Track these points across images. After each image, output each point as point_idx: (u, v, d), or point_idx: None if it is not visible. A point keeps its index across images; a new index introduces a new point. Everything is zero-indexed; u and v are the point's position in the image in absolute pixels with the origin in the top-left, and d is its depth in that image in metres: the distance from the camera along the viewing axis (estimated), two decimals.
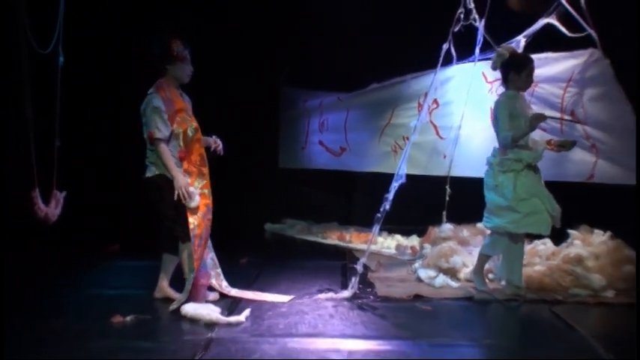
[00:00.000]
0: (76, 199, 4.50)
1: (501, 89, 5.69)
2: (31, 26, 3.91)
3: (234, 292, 4.45)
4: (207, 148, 4.37)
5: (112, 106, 7.13)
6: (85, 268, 5.39)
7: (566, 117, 5.06)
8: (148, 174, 4.17)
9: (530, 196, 4.36)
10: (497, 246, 4.60)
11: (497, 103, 4.52)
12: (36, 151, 4.06)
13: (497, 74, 5.72)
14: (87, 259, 5.71)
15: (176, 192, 4.00)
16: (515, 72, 4.48)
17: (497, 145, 4.59)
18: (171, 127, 4.08)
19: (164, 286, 4.31)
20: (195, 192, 4.06)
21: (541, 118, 4.41)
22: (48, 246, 5.61)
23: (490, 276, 4.99)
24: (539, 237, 5.15)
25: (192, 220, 4.06)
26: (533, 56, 5.39)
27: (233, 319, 3.78)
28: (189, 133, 4.15)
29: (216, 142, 4.43)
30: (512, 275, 4.53)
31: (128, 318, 3.80)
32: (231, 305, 4.18)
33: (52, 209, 4.22)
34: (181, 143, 4.13)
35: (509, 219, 4.40)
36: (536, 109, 5.39)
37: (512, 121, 4.38)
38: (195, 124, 4.22)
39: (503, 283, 4.73)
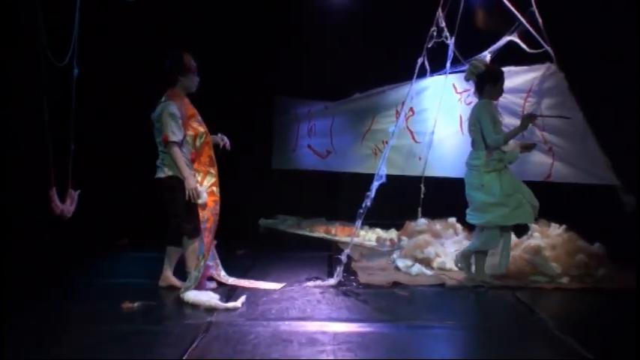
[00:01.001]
0: (89, 197, 4.47)
1: (470, 99, 5.75)
2: (48, 39, 3.88)
3: (232, 280, 4.44)
4: (217, 145, 4.37)
5: (122, 112, 7.09)
6: (97, 259, 5.36)
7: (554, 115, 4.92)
8: (161, 175, 4.13)
9: (514, 191, 4.36)
10: (493, 240, 4.49)
11: (478, 111, 4.45)
12: (53, 154, 4.03)
13: (467, 85, 5.77)
14: (98, 251, 5.67)
15: (187, 192, 3.99)
16: (493, 83, 4.47)
17: (473, 148, 4.54)
18: (185, 132, 4.07)
19: (168, 276, 4.28)
20: (203, 190, 4.07)
21: (532, 117, 4.41)
22: (63, 239, 5.56)
23: (459, 265, 5.01)
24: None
25: (203, 215, 4.08)
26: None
27: (230, 304, 3.78)
28: (200, 137, 4.17)
29: (223, 140, 4.44)
30: (503, 259, 4.54)
31: (136, 304, 3.79)
32: (228, 292, 4.17)
33: (67, 206, 4.20)
34: (192, 146, 4.13)
35: (498, 213, 4.37)
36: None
37: (493, 126, 4.37)
38: (204, 129, 4.22)
39: (472, 270, 4.74)
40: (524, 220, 4.48)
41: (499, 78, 4.50)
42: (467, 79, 4.69)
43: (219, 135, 4.43)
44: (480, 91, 4.55)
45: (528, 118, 4.39)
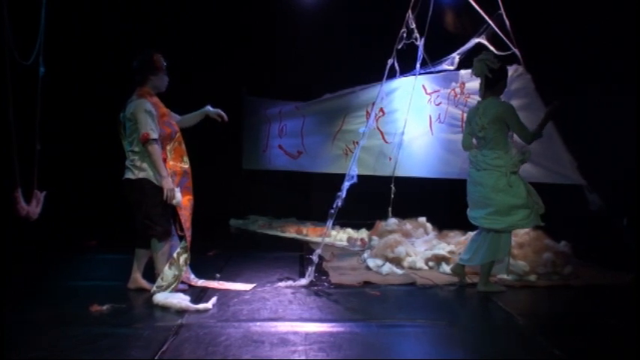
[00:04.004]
0: (55, 198, 4.38)
1: (439, 99, 5.82)
2: (14, 37, 3.79)
3: (201, 282, 4.40)
4: (214, 121, 4.38)
5: (90, 111, 6.99)
6: (64, 261, 5.25)
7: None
8: (130, 176, 4.04)
9: (528, 192, 4.25)
10: (505, 245, 4.30)
11: (500, 110, 4.19)
12: (18, 154, 3.94)
13: (436, 86, 5.84)
14: (66, 253, 5.57)
15: (165, 192, 3.95)
16: (505, 80, 4.35)
17: (484, 148, 4.29)
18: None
19: (137, 278, 4.22)
20: (178, 191, 4.04)
21: (558, 105, 4.15)
22: (30, 241, 5.45)
23: (430, 263, 5.04)
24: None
25: (183, 214, 4.10)
26: (465, 71, 5.54)
27: (201, 306, 3.75)
28: (173, 135, 4.12)
29: (219, 114, 4.39)
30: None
31: (105, 307, 3.73)
32: (199, 294, 4.13)
33: (33, 208, 4.09)
34: (165, 145, 4.08)
35: (522, 216, 4.20)
36: None
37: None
38: (176, 127, 4.18)
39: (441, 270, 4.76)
40: (537, 222, 4.31)
41: (507, 75, 4.41)
42: (477, 75, 4.35)
43: (208, 108, 4.38)
44: (490, 87, 4.28)
45: (556, 107, 4.13)
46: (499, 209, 4.21)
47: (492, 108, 4.22)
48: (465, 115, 5.51)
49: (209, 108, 4.40)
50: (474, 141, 4.43)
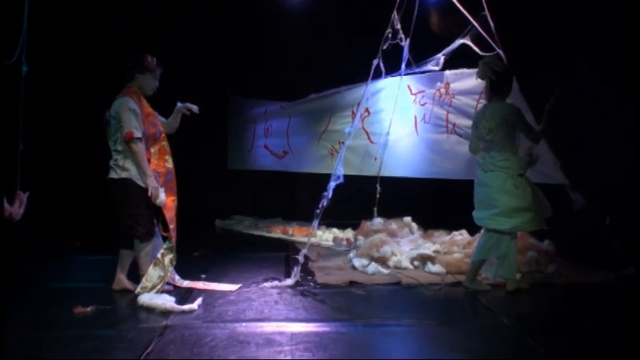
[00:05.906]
0: (39, 198, 4.33)
1: (424, 100, 5.84)
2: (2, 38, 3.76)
3: (187, 283, 4.39)
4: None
5: (73, 111, 6.92)
6: (48, 263, 5.20)
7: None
8: (114, 176, 4.02)
9: (535, 196, 4.24)
10: (501, 246, 4.28)
11: (507, 113, 4.19)
12: (0, 154, 3.89)
13: (421, 87, 5.85)
14: (49, 254, 5.51)
15: (149, 191, 3.93)
16: (510, 83, 4.33)
17: (491, 150, 4.27)
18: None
19: (122, 279, 4.19)
20: (162, 191, 4.03)
21: (555, 98, 4.16)
22: (13, 243, 5.38)
23: (416, 263, 5.06)
24: (459, 228, 5.27)
25: (169, 215, 4.09)
26: (450, 72, 5.56)
27: (186, 307, 3.73)
28: (157, 136, 4.10)
29: (187, 107, 4.34)
30: (512, 271, 4.31)
31: (89, 308, 3.70)
32: (184, 295, 4.11)
33: (15, 209, 4.03)
34: (149, 145, 4.05)
35: (526, 218, 4.20)
36: (453, 117, 5.54)
37: None
38: (161, 128, 4.16)
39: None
40: (541, 225, 4.32)
41: (513, 78, 4.39)
42: (482, 78, 4.38)
43: (178, 105, 4.34)
44: (495, 90, 4.30)
45: (553, 101, 4.14)
46: (502, 210, 4.22)
47: (499, 111, 4.23)
48: (450, 115, 5.58)
49: (178, 104, 4.37)
50: (481, 144, 4.40)
